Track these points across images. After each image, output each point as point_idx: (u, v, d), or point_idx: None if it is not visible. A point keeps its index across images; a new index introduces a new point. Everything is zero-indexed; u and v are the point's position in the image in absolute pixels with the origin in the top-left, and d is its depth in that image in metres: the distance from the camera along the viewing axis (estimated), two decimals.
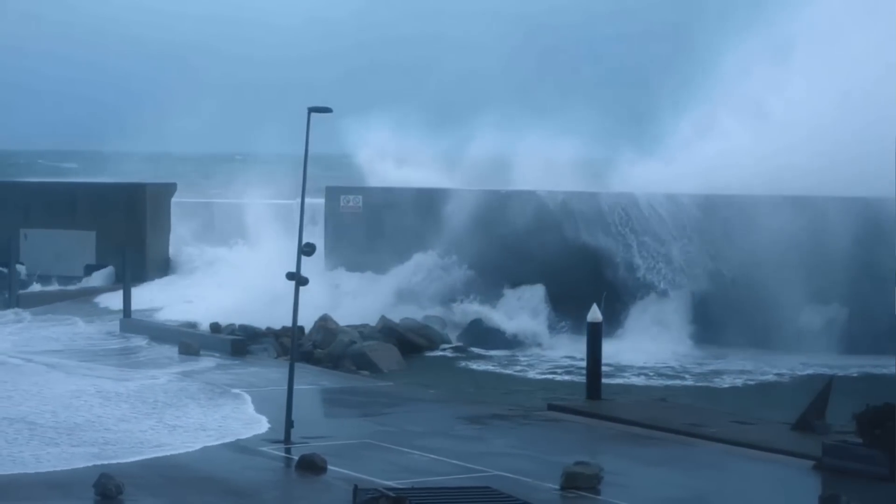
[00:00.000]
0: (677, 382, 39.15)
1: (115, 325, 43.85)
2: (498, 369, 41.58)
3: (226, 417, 28.74)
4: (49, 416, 28.63)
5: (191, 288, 52.40)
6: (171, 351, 39.08)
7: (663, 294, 45.85)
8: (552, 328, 46.41)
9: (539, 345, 45.20)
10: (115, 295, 49.66)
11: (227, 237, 60.21)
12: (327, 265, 50.12)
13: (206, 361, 37.49)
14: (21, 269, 51.93)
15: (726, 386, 38.83)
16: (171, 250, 56.79)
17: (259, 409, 29.48)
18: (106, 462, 24.16)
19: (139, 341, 41.16)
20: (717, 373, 40.55)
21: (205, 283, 53.88)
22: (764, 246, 43.75)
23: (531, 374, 40.65)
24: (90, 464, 23.91)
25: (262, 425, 27.71)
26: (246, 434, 26.94)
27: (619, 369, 39.96)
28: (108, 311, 47.55)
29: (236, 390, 32.31)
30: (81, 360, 37.40)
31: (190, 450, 25.61)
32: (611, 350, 38.85)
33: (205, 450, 25.67)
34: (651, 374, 40.28)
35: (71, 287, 52.61)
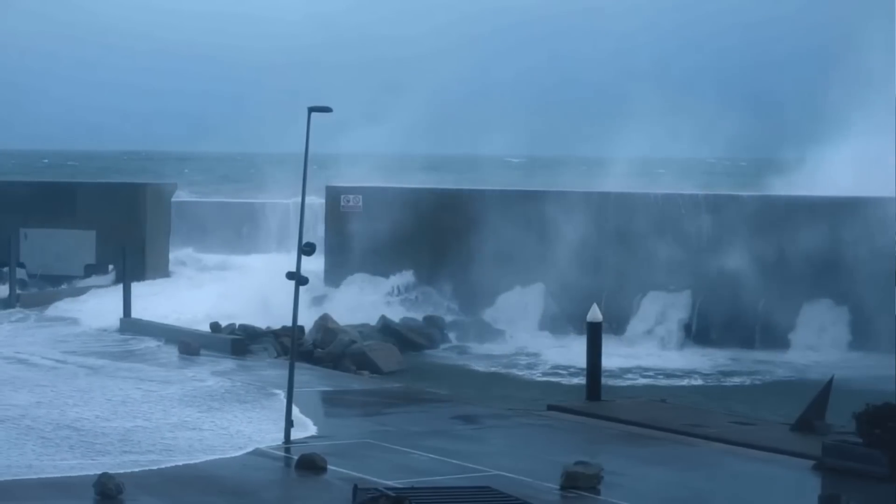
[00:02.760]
0: (685, 383, 39.18)
1: (115, 325, 43.73)
2: (498, 369, 41.60)
3: (277, 421, 27.96)
4: (96, 421, 28.01)
5: (191, 288, 52.39)
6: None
7: (669, 293, 45.86)
8: (552, 328, 46.43)
9: (539, 345, 45.18)
10: (76, 301, 49.11)
11: (226, 237, 60.34)
12: (327, 278, 50.20)
13: (227, 362, 37.32)
14: (22, 271, 51.88)
15: (730, 386, 38.92)
16: (171, 250, 56.79)
17: (303, 411, 29.01)
18: (160, 466, 23.96)
19: (147, 341, 40.85)
20: (721, 374, 40.61)
21: (204, 282, 53.90)
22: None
23: (532, 375, 40.66)
24: (139, 469, 23.68)
25: (309, 427, 27.48)
26: (299, 435, 26.57)
27: (625, 370, 39.99)
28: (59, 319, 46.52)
29: (276, 391, 31.92)
30: (113, 361, 37.06)
31: (249, 453, 25.36)
32: (615, 351, 39.01)
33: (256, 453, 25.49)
34: (655, 375, 40.30)
35: (69, 286, 52.55)
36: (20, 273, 51.35)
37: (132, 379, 33.98)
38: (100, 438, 26.34)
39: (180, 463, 24.34)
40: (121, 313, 43.68)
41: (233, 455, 25.14)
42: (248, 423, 28.13)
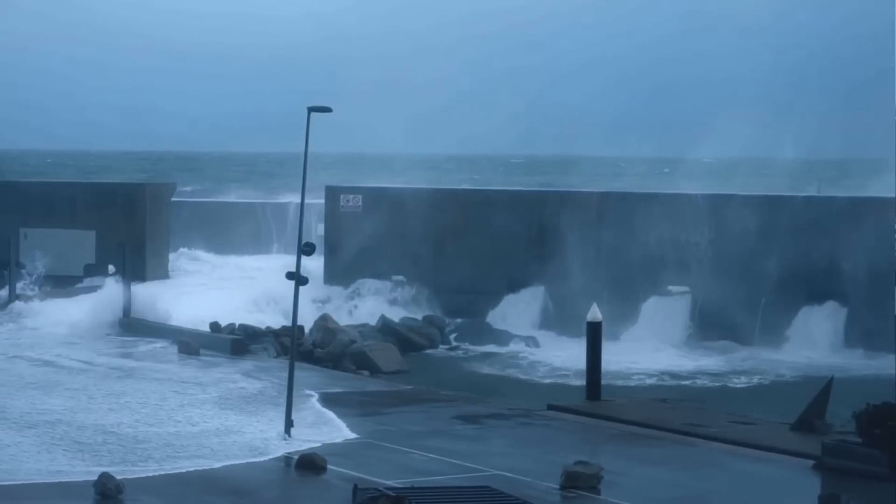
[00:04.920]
0: (687, 384, 39.16)
1: (115, 325, 43.62)
2: (498, 369, 41.60)
3: (315, 423, 27.96)
4: (136, 426, 27.50)
5: (190, 289, 52.36)
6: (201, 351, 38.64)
7: (670, 294, 45.89)
8: (553, 328, 46.44)
9: (539, 345, 45.18)
10: (76, 301, 48.65)
11: (225, 238, 60.31)
12: (326, 278, 50.18)
13: (244, 363, 37.19)
14: (22, 273, 51.84)
15: (731, 387, 38.92)
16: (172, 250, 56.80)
17: (339, 415, 28.97)
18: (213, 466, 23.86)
19: (156, 342, 40.50)
20: (721, 374, 40.63)
21: (203, 283, 53.89)
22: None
23: (532, 375, 40.65)
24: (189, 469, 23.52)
25: (343, 431, 27.36)
26: (338, 439, 26.52)
27: (629, 372, 39.92)
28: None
29: (309, 391, 31.70)
30: (137, 362, 36.86)
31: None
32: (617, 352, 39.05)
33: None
34: (660, 376, 40.24)
35: (69, 286, 52.51)
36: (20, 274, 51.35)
37: (166, 381, 33.56)
38: (142, 444, 25.87)
39: (215, 466, 24.16)
40: (120, 313, 43.69)
41: (276, 456, 24.97)
42: (297, 425, 27.35)
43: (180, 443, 26.07)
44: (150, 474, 23.27)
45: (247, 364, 37.10)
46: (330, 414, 29.04)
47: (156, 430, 27.34)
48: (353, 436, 26.91)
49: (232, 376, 34.61)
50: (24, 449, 25.32)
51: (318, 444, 25.76)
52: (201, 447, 25.68)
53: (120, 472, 22.71)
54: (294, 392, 30.95)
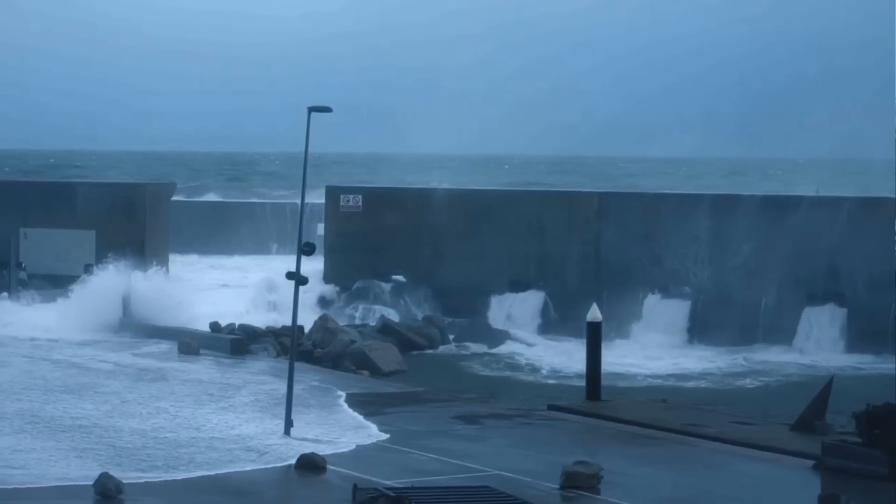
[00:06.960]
0: (688, 385, 39.15)
1: (114, 325, 43.57)
2: (498, 370, 41.60)
3: (354, 427, 27.82)
4: (178, 430, 27.12)
5: (190, 289, 52.36)
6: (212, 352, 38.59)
7: (671, 295, 45.87)
8: (553, 329, 46.44)
9: (539, 345, 45.18)
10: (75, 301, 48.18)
11: (225, 238, 60.39)
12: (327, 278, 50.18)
13: (259, 363, 37.15)
14: (23, 274, 51.83)
15: (732, 387, 38.94)
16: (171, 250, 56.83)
17: (367, 417, 28.87)
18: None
19: (160, 342, 40.31)
20: (725, 375, 40.66)
21: (203, 282, 53.91)
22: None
23: (532, 375, 40.65)
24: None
25: (370, 431, 27.30)
26: (366, 441, 26.38)
27: (630, 373, 39.88)
28: None
29: (340, 392, 31.69)
30: (160, 363, 36.63)
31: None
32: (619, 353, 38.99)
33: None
34: (662, 377, 40.21)
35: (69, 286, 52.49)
36: (20, 274, 51.36)
37: (197, 383, 33.28)
38: (184, 448, 25.56)
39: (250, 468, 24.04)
40: (119, 313, 43.69)
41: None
42: (331, 427, 27.51)
43: (226, 447, 25.70)
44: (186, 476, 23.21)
45: (263, 364, 37.15)
46: (357, 416, 28.94)
47: (202, 435, 26.97)
48: (386, 437, 26.79)
49: (259, 377, 34.45)
50: (51, 454, 24.90)
51: (353, 447, 25.73)
52: (249, 451, 25.37)
53: (158, 477, 22.77)
54: (326, 394, 31.25)
